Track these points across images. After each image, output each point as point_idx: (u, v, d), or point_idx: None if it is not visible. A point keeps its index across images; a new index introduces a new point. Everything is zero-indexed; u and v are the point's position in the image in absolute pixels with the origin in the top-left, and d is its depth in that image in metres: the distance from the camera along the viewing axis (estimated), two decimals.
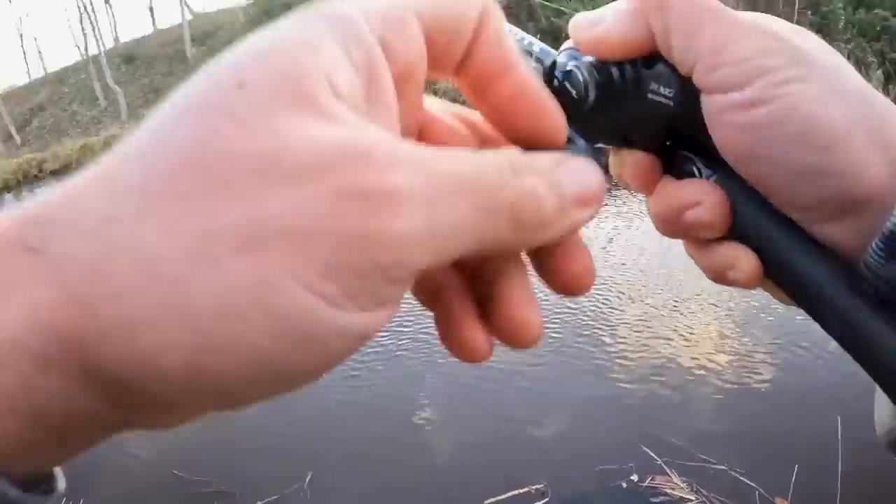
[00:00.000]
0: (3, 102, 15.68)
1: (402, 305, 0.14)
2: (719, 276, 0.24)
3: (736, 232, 0.23)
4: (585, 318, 2.99)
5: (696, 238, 0.24)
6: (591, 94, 0.23)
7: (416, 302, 0.18)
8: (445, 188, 0.14)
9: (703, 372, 2.52)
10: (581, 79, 0.23)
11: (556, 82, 0.23)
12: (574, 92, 0.23)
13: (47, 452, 0.13)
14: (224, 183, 0.12)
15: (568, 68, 0.23)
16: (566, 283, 0.19)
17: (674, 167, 0.25)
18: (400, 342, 2.87)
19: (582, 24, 0.23)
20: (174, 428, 0.15)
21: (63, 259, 0.12)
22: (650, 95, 0.23)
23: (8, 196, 9.32)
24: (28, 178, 10.01)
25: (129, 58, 15.44)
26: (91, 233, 0.12)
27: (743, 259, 0.23)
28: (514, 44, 0.18)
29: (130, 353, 0.12)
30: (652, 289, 3.35)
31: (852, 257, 0.21)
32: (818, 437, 2.02)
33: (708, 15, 0.21)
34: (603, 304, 3.13)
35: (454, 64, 0.17)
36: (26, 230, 0.12)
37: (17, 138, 15.10)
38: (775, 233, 0.22)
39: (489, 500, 1.93)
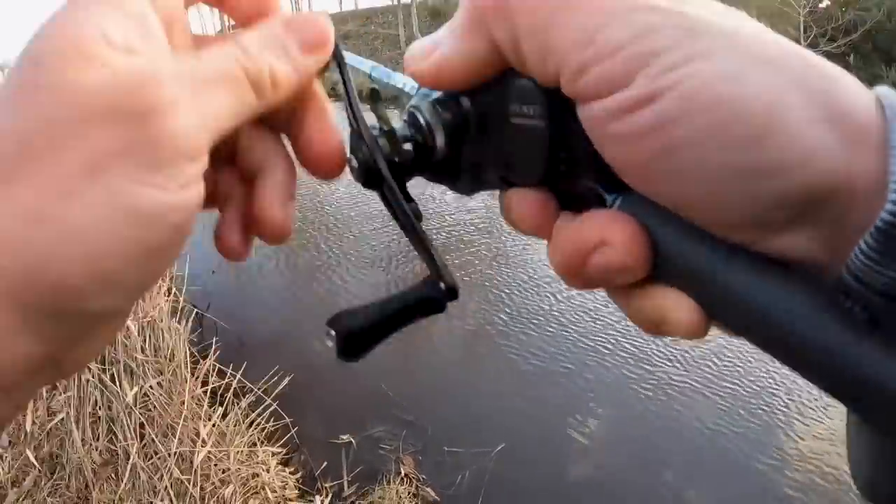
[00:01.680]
0: None
1: None
2: (653, 331, 0.18)
3: (662, 271, 0.17)
4: None
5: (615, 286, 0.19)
6: (439, 138, 0.20)
7: None
8: (202, 86, 0.18)
9: None
10: (423, 122, 0.20)
11: (409, 132, 0.20)
12: (420, 138, 0.20)
13: None
14: (49, 141, 0.15)
15: (408, 111, 0.20)
16: (315, 156, 0.21)
17: (573, 200, 0.19)
18: None
19: (415, 56, 0.20)
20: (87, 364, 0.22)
21: None
22: (515, 120, 0.19)
23: None
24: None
25: (435, 12, 16.30)
26: None
27: (675, 307, 0.17)
28: None
29: (46, 284, 0.15)
30: None
31: (821, 274, 0.16)
32: None
33: (560, 4, 0.16)
34: None
35: None
36: None
37: None
38: (712, 264, 0.16)
39: None
